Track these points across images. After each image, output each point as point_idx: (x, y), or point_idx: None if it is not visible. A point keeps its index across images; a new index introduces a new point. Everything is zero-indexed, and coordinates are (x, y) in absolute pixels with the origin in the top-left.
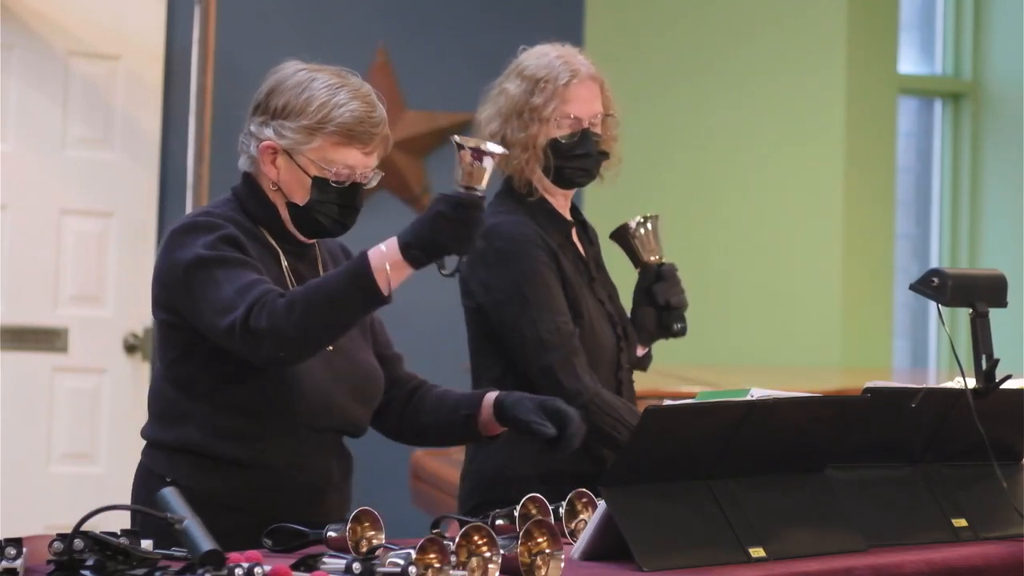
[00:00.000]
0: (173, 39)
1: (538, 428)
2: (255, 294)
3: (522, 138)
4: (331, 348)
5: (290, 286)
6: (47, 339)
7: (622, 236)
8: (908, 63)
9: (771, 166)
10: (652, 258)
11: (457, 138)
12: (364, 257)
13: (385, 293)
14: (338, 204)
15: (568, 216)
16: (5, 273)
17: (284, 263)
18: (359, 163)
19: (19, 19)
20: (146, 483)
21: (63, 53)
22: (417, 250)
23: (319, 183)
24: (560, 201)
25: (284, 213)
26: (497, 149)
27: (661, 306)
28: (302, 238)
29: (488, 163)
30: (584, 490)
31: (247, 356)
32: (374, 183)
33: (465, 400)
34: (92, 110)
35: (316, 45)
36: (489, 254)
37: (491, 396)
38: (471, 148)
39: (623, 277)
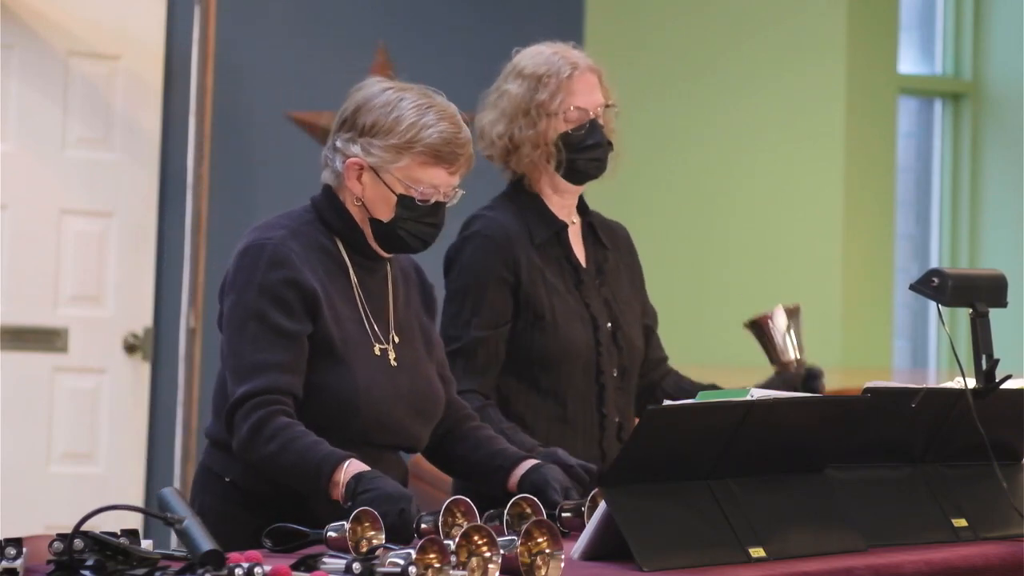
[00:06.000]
0: (173, 39)
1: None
2: (263, 386)
3: (531, 135)
4: (395, 364)
5: (358, 300)
6: (47, 339)
7: (759, 329)
8: (908, 63)
9: (771, 166)
10: (789, 358)
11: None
12: (330, 469)
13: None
14: (421, 222)
15: (569, 217)
16: (5, 273)
17: (353, 277)
18: (444, 182)
19: (19, 19)
20: (204, 480)
21: (63, 53)
22: (351, 503)
23: (404, 201)
24: (560, 201)
25: (364, 227)
26: None
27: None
28: (382, 252)
29: None
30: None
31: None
32: (455, 201)
33: (505, 455)
34: (92, 110)
35: (316, 45)
36: (459, 245)
37: (526, 464)
38: None
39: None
